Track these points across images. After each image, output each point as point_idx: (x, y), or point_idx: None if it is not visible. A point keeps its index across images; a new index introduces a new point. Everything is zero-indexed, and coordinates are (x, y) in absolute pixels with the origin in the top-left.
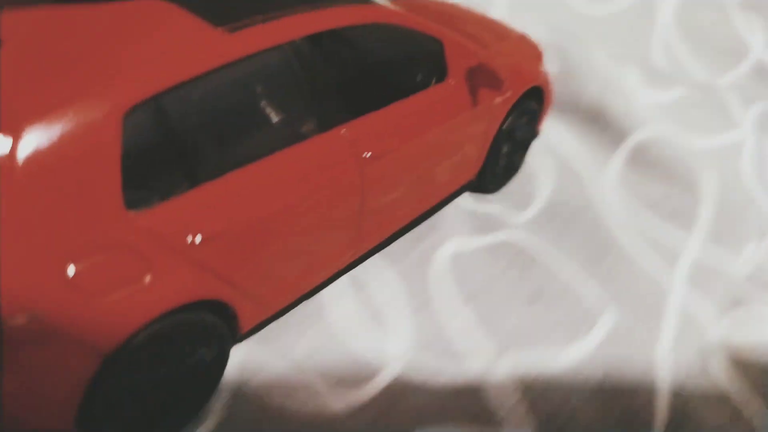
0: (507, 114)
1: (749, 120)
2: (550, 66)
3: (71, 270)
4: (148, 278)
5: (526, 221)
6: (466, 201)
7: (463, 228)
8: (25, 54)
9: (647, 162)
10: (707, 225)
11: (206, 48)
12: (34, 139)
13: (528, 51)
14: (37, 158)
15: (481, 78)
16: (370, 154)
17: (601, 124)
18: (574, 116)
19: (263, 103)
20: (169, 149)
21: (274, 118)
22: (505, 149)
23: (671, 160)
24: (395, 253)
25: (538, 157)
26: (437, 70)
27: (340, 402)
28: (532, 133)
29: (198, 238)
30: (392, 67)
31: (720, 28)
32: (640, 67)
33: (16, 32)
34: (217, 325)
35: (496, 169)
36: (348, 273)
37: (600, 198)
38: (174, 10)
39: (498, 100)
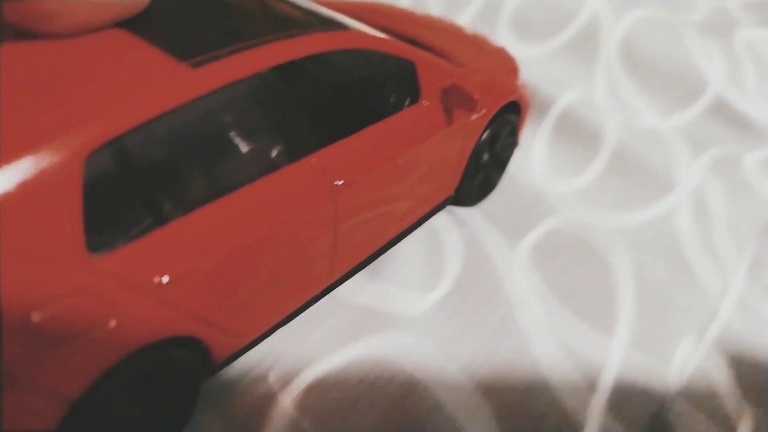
0: (485, 129)
1: (699, 171)
2: None
3: (35, 317)
4: (113, 322)
5: (424, 312)
6: (356, 285)
7: (333, 336)
8: None
9: (561, 245)
10: (629, 323)
11: (169, 85)
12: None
13: (505, 65)
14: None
15: (455, 98)
16: (342, 181)
17: (514, 201)
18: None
19: (230, 135)
20: (133, 189)
21: (242, 150)
22: (483, 164)
23: (585, 243)
24: (230, 401)
25: (447, 231)
26: (410, 92)
27: None
28: (511, 146)
29: (165, 278)
30: (364, 92)
31: (673, 58)
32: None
33: None
34: (189, 360)
35: (474, 183)
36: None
37: (513, 287)
38: (137, 44)
39: (474, 117)
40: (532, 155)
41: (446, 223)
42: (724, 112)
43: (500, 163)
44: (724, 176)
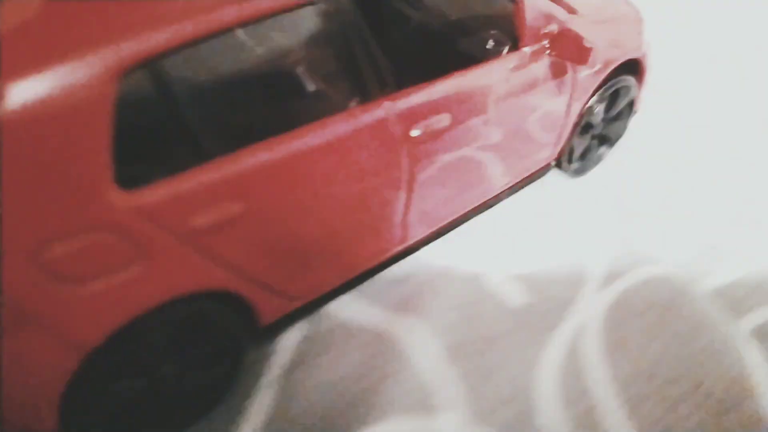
0: (597, 88)
1: None
2: None
3: (49, 251)
4: (139, 266)
5: None
6: None
7: None
8: (21, 9)
9: None
10: None
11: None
12: (19, 96)
13: (628, 16)
14: (18, 118)
15: (563, 47)
16: (419, 132)
17: None
18: None
19: (291, 66)
20: (174, 118)
21: (303, 83)
22: (591, 130)
23: None
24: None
25: None
26: (509, 37)
27: None
28: (627, 113)
29: (205, 222)
30: (454, 32)
31: None
32: None
33: None
34: (228, 319)
35: (581, 152)
36: None
37: None
38: None
39: (585, 72)
40: None
41: None
42: None
43: (611, 131)
44: None
